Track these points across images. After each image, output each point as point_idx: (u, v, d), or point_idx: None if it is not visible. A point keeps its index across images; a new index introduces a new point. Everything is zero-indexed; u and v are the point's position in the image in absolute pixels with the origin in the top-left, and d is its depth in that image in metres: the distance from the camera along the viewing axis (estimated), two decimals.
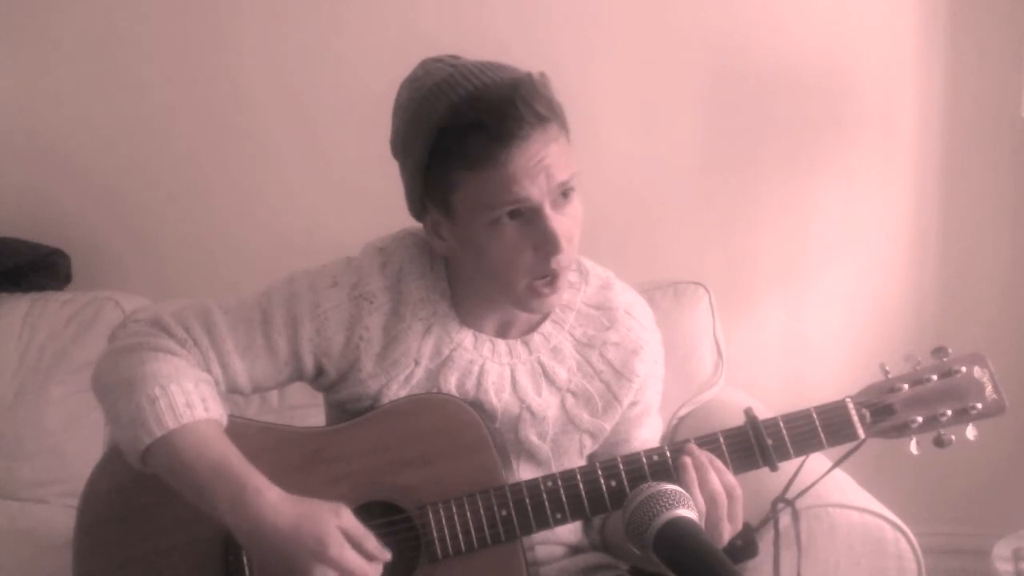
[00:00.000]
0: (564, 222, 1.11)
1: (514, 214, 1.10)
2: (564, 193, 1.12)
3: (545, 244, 1.10)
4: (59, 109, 2.31)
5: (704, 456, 1.11)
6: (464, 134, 1.07)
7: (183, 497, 1.08)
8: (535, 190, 1.08)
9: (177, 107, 2.28)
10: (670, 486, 1.02)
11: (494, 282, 1.17)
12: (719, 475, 1.10)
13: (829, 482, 1.35)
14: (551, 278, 1.14)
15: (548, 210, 1.10)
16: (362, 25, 2.21)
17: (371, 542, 1.07)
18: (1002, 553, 1.85)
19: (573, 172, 1.11)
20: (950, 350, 1.18)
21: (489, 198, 1.09)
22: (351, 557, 1.05)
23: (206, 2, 2.25)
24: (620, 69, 2.19)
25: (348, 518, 1.07)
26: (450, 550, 1.13)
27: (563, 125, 1.12)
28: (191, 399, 1.09)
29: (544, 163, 1.08)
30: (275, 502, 1.05)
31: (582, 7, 2.18)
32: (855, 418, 1.16)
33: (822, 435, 1.15)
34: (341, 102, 2.23)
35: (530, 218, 1.10)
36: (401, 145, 1.17)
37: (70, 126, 2.31)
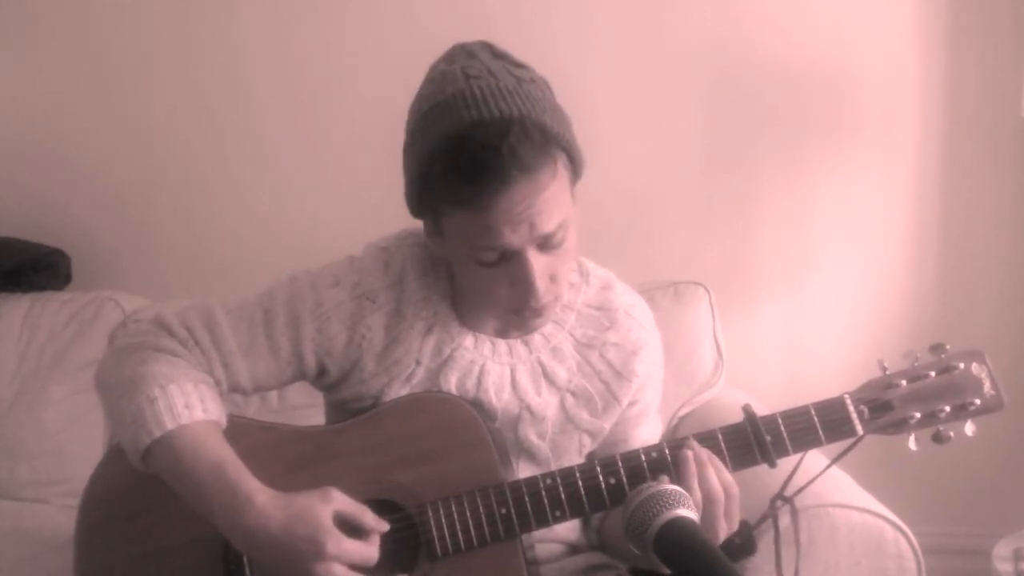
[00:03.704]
0: (548, 261, 1.08)
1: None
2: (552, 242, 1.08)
3: (523, 285, 1.08)
4: (60, 109, 2.31)
5: (704, 453, 1.11)
6: (449, 171, 1.03)
7: (183, 498, 1.08)
8: (515, 238, 1.04)
9: (177, 107, 2.29)
10: (670, 486, 1.02)
11: (479, 300, 1.17)
12: (717, 473, 1.09)
13: (829, 482, 1.35)
14: (532, 309, 1.12)
15: (529, 254, 1.06)
16: (362, 26, 2.22)
17: (368, 516, 1.08)
18: (1002, 553, 1.84)
19: (563, 219, 1.06)
20: (948, 346, 1.18)
21: (469, 238, 1.07)
22: (349, 547, 1.04)
23: (206, 3, 2.25)
24: (620, 69, 2.19)
25: (340, 499, 1.06)
26: (450, 548, 1.12)
27: (556, 168, 1.05)
28: (190, 400, 1.09)
29: (528, 212, 1.03)
30: (265, 507, 1.04)
31: (582, 8, 2.18)
32: (853, 414, 1.16)
33: (820, 432, 1.15)
34: (341, 103, 2.23)
35: (510, 258, 1.07)
36: (406, 150, 1.14)
37: (71, 126, 2.31)
